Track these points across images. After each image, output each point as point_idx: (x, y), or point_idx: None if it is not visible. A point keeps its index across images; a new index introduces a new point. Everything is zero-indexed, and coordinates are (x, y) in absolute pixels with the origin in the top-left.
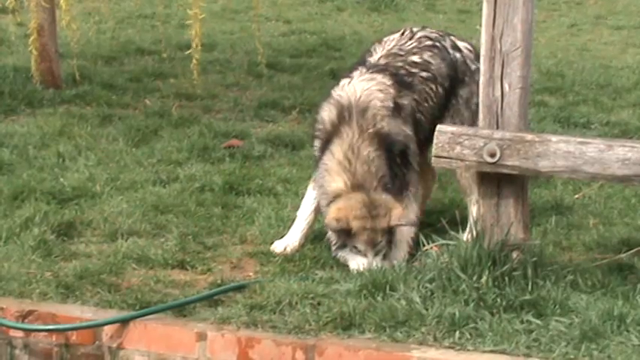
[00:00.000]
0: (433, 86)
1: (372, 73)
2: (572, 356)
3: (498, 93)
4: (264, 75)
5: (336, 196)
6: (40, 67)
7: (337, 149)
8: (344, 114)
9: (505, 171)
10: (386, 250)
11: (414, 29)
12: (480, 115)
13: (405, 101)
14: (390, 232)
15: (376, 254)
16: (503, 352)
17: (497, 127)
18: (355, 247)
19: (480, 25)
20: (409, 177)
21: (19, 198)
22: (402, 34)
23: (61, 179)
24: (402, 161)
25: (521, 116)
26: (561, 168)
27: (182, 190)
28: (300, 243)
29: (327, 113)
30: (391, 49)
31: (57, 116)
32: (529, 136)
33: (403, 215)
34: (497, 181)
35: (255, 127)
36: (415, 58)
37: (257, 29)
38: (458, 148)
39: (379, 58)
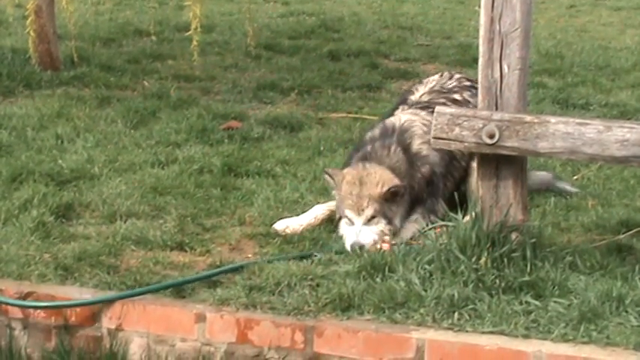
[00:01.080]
0: None
1: (415, 109)
2: (570, 337)
3: (497, 74)
4: (263, 56)
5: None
6: (38, 49)
7: (369, 146)
8: (386, 132)
9: (504, 152)
10: (382, 224)
11: (452, 72)
12: (479, 97)
13: None
14: (385, 204)
15: (366, 224)
16: (502, 333)
17: (497, 109)
18: (346, 217)
19: (479, 7)
20: (428, 201)
21: (18, 180)
22: (441, 75)
23: (60, 161)
24: (426, 184)
25: (521, 97)
26: (560, 149)
27: (181, 172)
28: (301, 228)
29: (369, 133)
30: (433, 87)
31: (55, 98)
32: (528, 118)
33: (395, 184)
34: (496, 163)
35: (254, 108)
36: (456, 96)
37: (251, 11)
38: (457, 130)
39: (421, 96)
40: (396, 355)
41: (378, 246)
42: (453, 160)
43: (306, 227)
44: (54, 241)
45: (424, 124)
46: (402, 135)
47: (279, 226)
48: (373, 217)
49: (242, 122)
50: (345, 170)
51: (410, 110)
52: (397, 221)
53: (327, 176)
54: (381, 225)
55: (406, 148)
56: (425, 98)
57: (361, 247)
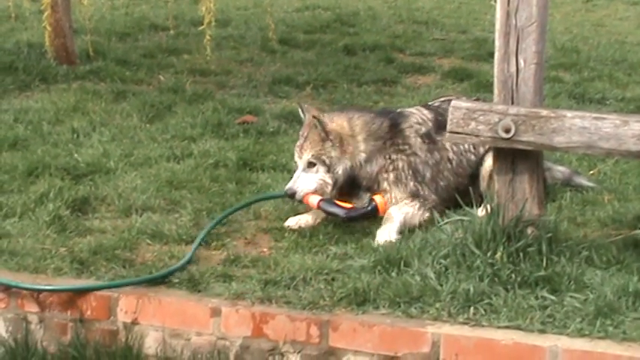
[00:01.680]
0: None
1: (420, 107)
2: (586, 332)
3: (513, 68)
4: (278, 51)
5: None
6: (54, 43)
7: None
8: (385, 110)
9: (520, 147)
10: (321, 172)
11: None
12: (495, 91)
13: (438, 137)
14: (325, 151)
15: (305, 170)
16: (517, 327)
17: (512, 103)
18: (294, 160)
19: (495, 1)
20: (411, 184)
21: (34, 174)
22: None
23: (76, 155)
24: (408, 165)
25: (537, 92)
26: (577, 144)
27: (196, 166)
28: (314, 221)
29: None
30: (449, 98)
31: (71, 92)
32: (544, 112)
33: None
34: (512, 157)
35: (269, 102)
36: None
37: (267, 5)
38: (473, 124)
39: (434, 102)
40: (412, 349)
41: (306, 202)
42: (442, 161)
43: (319, 221)
44: (70, 234)
45: (422, 117)
46: (397, 115)
47: (291, 222)
48: (312, 163)
49: (257, 116)
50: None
51: (416, 107)
52: (340, 170)
53: (299, 110)
54: (320, 173)
55: (395, 126)
56: (436, 104)
57: (293, 194)
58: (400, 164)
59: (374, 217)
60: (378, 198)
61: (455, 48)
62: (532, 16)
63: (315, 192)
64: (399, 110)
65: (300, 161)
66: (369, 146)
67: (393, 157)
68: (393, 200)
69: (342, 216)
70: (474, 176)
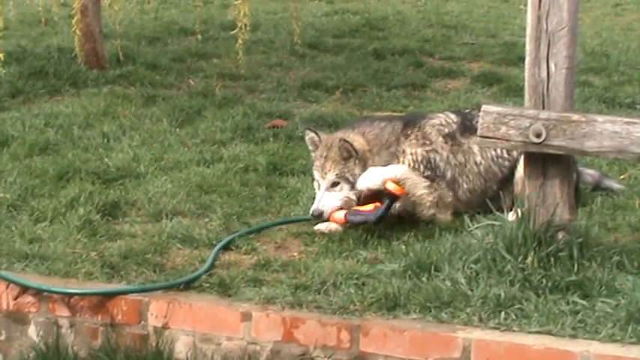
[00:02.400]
0: None
1: (449, 111)
2: (618, 337)
3: (544, 73)
4: (307, 55)
5: None
6: (84, 48)
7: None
8: (409, 116)
9: (551, 151)
10: (345, 189)
11: None
12: (526, 96)
13: (463, 140)
14: (346, 167)
15: (329, 189)
16: (549, 332)
17: (543, 108)
18: (315, 180)
19: (525, 5)
20: (420, 175)
21: (65, 178)
22: None
23: (106, 159)
24: (426, 163)
25: (567, 96)
26: (608, 148)
27: (226, 170)
28: (344, 226)
29: None
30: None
31: (101, 96)
32: (575, 117)
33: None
34: (542, 162)
35: (299, 107)
36: None
37: (296, 9)
38: (503, 129)
39: (465, 109)
40: (443, 354)
41: (333, 220)
42: (467, 163)
43: (348, 225)
44: (100, 239)
45: (447, 120)
46: (414, 116)
47: (321, 226)
48: (336, 183)
49: (287, 121)
50: (327, 135)
51: (444, 112)
52: (362, 186)
53: (311, 134)
54: (344, 191)
55: (410, 124)
56: (466, 110)
57: (320, 214)
58: (416, 157)
59: (396, 200)
60: (389, 184)
61: (484, 52)
62: (563, 20)
63: (340, 208)
64: (423, 113)
65: (324, 181)
66: (382, 157)
67: (409, 150)
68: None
69: (372, 219)
70: (507, 180)
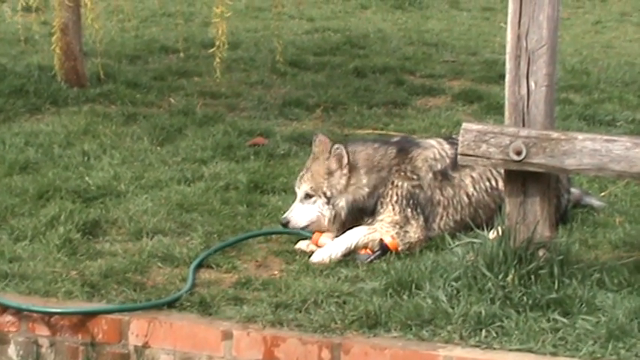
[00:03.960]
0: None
1: (443, 140)
2: (599, 355)
3: (524, 91)
4: (288, 73)
5: None
6: (65, 66)
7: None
8: (403, 138)
9: (531, 169)
10: (319, 203)
11: None
12: (506, 113)
13: (454, 174)
14: (326, 182)
15: (302, 201)
16: (529, 350)
17: (523, 125)
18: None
19: (505, 23)
20: (395, 213)
21: (45, 197)
22: None
23: (86, 178)
24: (410, 197)
25: (547, 114)
26: (588, 166)
27: (207, 189)
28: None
29: None
30: None
31: (81, 115)
32: (555, 134)
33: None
34: (522, 180)
35: (280, 125)
36: None
37: (277, 27)
38: (484, 146)
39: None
40: None
41: (316, 245)
42: (455, 196)
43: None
44: (80, 258)
45: (440, 152)
46: (408, 143)
47: (302, 245)
48: (310, 195)
49: (268, 139)
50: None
51: (437, 139)
52: (342, 203)
53: (318, 141)
54: (317, 205)
55: (404, 152)
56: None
57: (287, 223)
58: (401, 191)
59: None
60: (386, 238)
61: (465, 70)
62: (542, 38)
63: (310, 224)
64: (418, 140)
65: (299, 191)
66: (371, 180)
67: (397, 182)
68: (377, 220)
69: (359, 260)
70: (500, 209)
